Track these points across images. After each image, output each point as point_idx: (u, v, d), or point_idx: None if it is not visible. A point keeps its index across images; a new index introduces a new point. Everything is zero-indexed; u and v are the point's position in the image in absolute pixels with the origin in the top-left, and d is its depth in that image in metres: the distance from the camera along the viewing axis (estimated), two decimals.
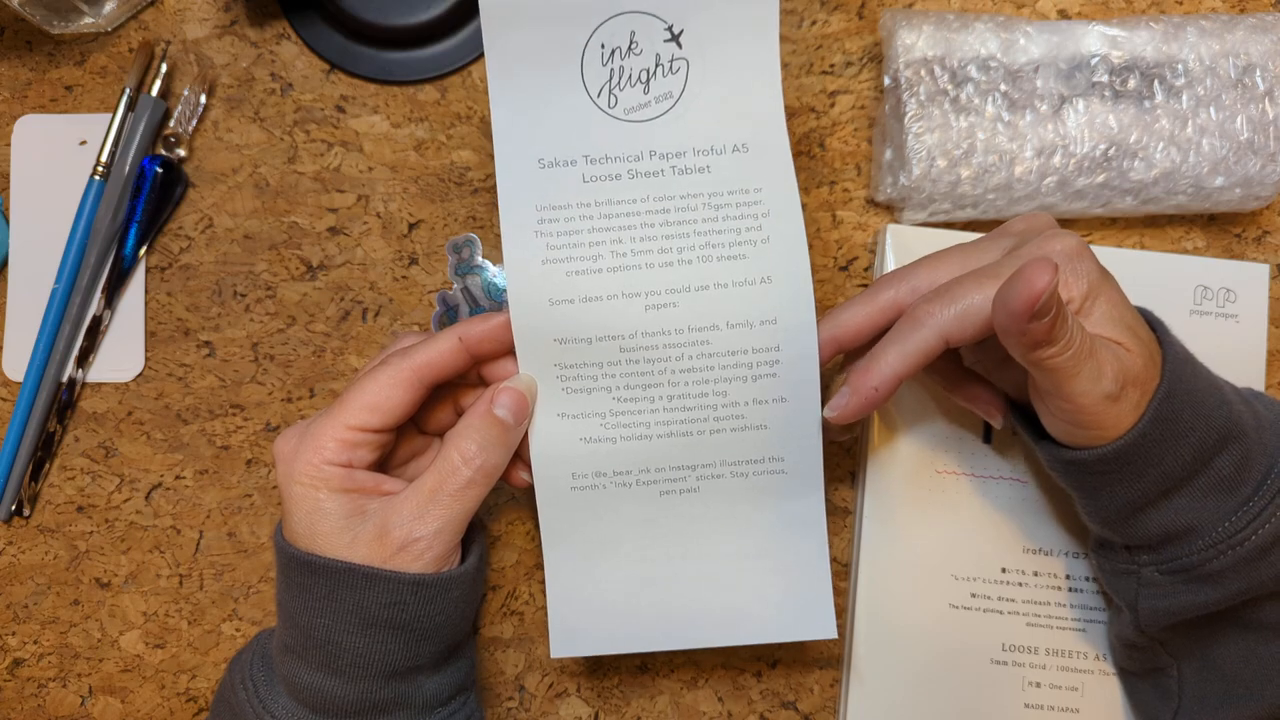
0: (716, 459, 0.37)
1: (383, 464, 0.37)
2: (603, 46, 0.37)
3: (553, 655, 0.38)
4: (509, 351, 0.37)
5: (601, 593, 0.38)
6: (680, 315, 0.36)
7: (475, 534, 0.38)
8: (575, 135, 0.37)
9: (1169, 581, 0.35)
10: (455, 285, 0.45)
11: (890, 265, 0.42)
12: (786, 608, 0.38)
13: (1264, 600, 0.35)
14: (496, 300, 0.45)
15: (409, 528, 0.34)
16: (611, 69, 0.37)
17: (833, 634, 0.38)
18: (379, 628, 0.33)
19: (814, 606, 0.38)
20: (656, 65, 0.37)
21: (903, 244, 0.43)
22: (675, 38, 0.37)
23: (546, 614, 0.38)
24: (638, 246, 0.37)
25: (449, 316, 0.44)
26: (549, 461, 0.37)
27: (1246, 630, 0.36)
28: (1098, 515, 0.36)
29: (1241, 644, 0.36)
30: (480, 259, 0.45)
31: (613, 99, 0.37)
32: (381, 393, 0.34)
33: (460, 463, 0.34)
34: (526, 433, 0.37)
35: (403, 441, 0.38)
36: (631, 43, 0.37)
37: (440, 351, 0.35)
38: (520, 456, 0.37)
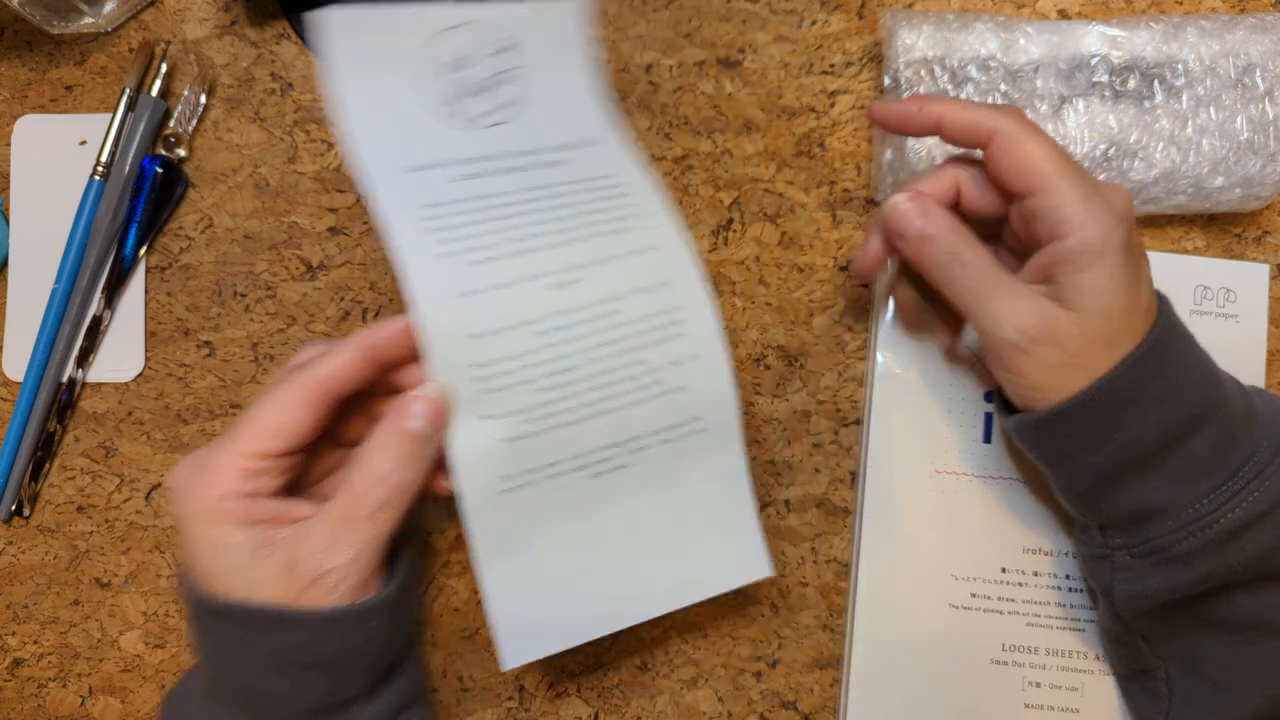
0: (644, 430, 0.36)
1: (295, 485, 0.34)
2: (439, 62, 0.37)
3: (504, 668, 0.35)
4: (418, 355, 0.34)
5: (546, 591, 0.36)
6: (587, 290, 0.36)
7: (401, 549, 0.35)
8: (429, 144, 0.37)
9: (1140, 564, 0.35)
10: None
11: (889, 264, 0.42)
12: (721, 558, 0.38)
13: (1238, 592, 0.35)
14: None
15: (319, 559, 0.31)
16: (452, 81, 0.37)
17: (768, 572, 0.38)
18: (298, 668, 0.31)
19: (747, 550, 0.38)
20: (496, 74, 0.38)
21: None
22: (509, 49, 0.38)
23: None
24: (528, 231, 0.36)
25: None
26: (474, 467, 0.34)
27: (1229, 633, 0.36)
28: (1069, 490, 0.36)
29: (1224, 646, 0.36)
30: None
31: (459, 108, 0.38)
32: (282, 414, 0.32)
33: (372, 484, 0.32)
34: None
35: (317, 458, 0.35)
36: (467, 56, 0.38)
37: (342, 364, 0.33)
38: (441, 464, 0.34)
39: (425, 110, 0.37)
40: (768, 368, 0.44)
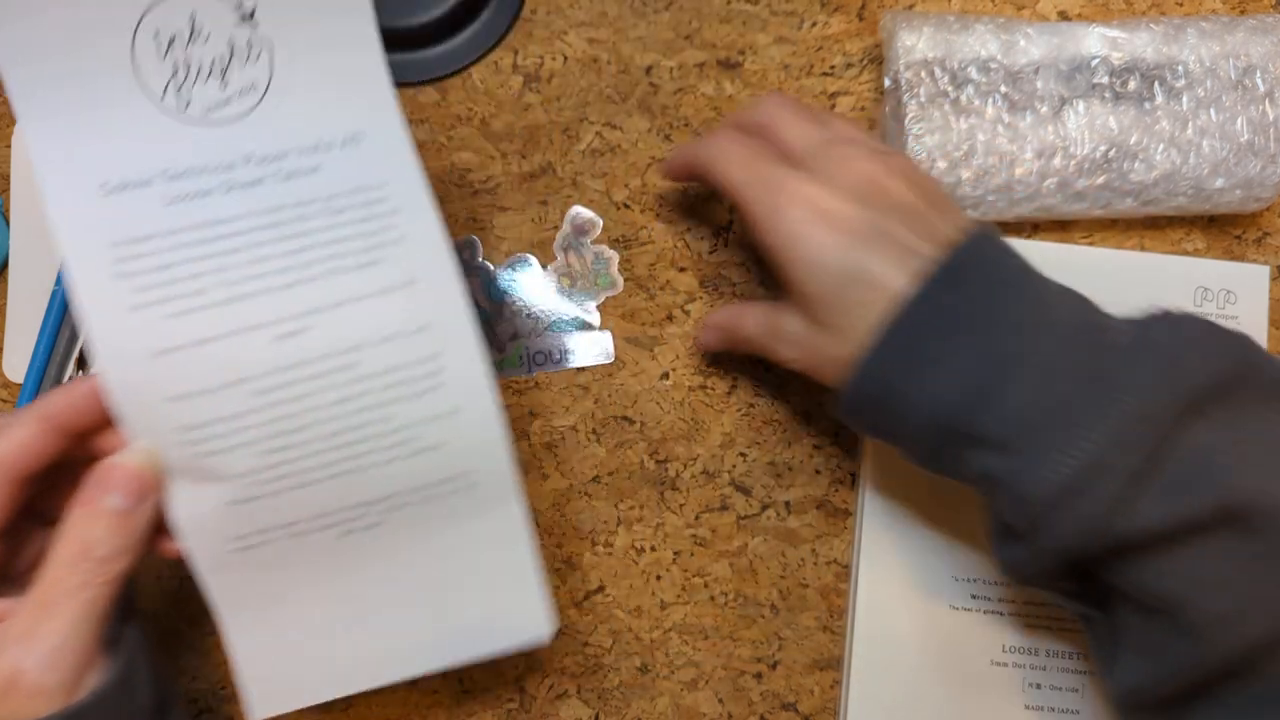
0: (399, 489, 0.33)
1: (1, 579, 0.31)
2: (157, 35, 0.30)
3: (251, 719, 0.34)
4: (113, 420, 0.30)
5: (299, 644, 0.34)
6: (318, 340, 0.31)
7: (126, 626, 0.31)
8: (145, 149, 0.31)
9: (1001, 532, 0.33)
10: None
11: None
12: (495, 618, 0.35)
13: (1117, 563, 0.30)
14: (497, 301, 0.45)
15: (13, 657, 0.27)
16: (174, 62, 0.31)
17: (546, 634, 0.36)
18: None
19: (525, 611, 0.35)
20: (232, 53, 0.31)
21: None
22: (248, 16, 0.31)
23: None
24: (251, 271, 0.30)
25: None
26: (200, 529, 0.32)
27: (1134, 603, 0.31)
28: (914, 463, 0.35)
29: (1137, 615, 0.31)
30: (481, 260, 0.45)
31: (184, 98, 0.31)
32: None
33: (70, 564, 0.29)
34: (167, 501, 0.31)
35: (22, 544, 0.32)
36: (193, 28, 0.31)
37: (21, 440, 0.29)
38: (163, 526, 0.32)
39: (139, 103, 0.31)
40: (768, 369, 0.44)
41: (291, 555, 0.33)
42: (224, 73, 0.31)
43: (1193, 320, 0.30)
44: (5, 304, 0.45)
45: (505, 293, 0.45)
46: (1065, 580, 0.32)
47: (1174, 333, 0.29)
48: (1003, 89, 0.42)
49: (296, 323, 0.31)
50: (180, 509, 0.31)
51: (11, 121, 0.45)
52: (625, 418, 0.44)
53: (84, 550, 0.29)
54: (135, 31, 0.30)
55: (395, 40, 0.45)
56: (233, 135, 0.31)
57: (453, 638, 0.35)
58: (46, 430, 0.30)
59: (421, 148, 0.45)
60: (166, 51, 0.31)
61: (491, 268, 0.45)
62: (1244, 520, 0.27)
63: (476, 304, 0.44)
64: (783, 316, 0.36)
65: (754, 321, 0.38)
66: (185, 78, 0.31)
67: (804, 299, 0.34)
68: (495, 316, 0.45)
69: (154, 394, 0.30)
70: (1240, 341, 0.30)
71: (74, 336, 0.44)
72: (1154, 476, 0.28)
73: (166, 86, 0.31)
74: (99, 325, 0.30)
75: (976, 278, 0.31)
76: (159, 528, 0.31)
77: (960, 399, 0.30)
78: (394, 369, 0.32)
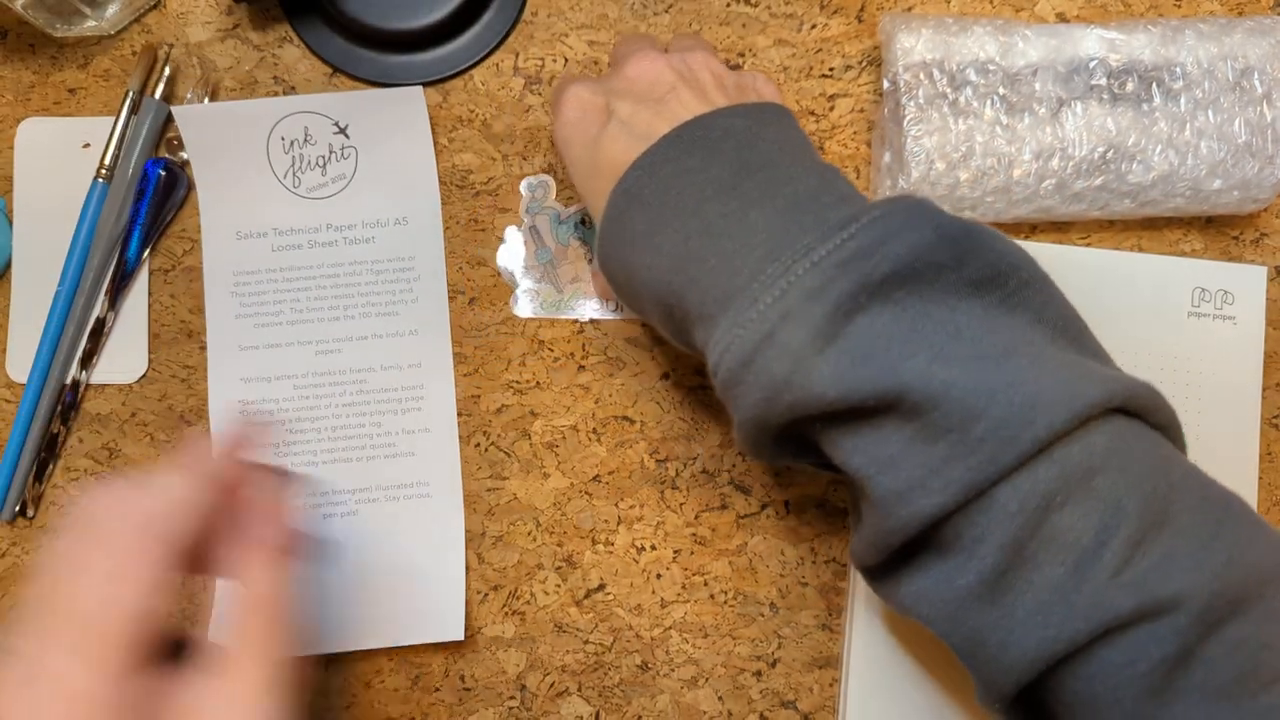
0: (372, 483, 0.44)
1: None
2: (283, 139, 0.44)
3: None
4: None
5: None
6: (344, 359, 0.44)
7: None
8: (267, 211, 0.44)
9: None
10: (525, 222, 0.45)
11: None
12: (425, 615, 0.43)
13: (812, 432, 0.31)
14: (562, 243, 0.45)
15: None
16: (293, 156, 0.44)
17: (460, 636, 0.42)
18: None
19: (446, 615, 0.43)
20: (330, 153, 0.44)
21: None
22: (343, 130, 0.44)
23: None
24: (312, 304, 0.44)
25: (509, 252, 0.45)
26: None
27: (851, 480, 0.32)
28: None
29: (854, 489, 0.33)
30: (552, 200, 0.45)
31: (296, 180, 0.44)
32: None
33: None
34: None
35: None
36: (306, 136, 0.44)
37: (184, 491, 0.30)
38: None
39: (268, 182, 0.44)
40: None
41: None
42: (324, 166, 0.45)
43: (909, 208, 0.30)
44: (9, 304, 0.45)
45: (571, 235, 0.45)
46: (800, 454, 0.33)
47: (883, 218, 0.29)
48: (1001, 91, 0.42)
49: (333, 345, 0.44)
50: None
51: (14, 123, 0.45)
52: (625, 417, 0.44)
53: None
54: (269, 135, 0.44)
55: (397, 43, 0.45)
56: (323, 208, 0.45)
57: (385, 624, 0.43)
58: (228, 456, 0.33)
59: None
60: (288, 149, 0.44)
61: (560, 210, 0.45)
62: (909, 404, 0.28)
63: (542, 241, 0.45)
64: None
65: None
66: (299, 166, 0.44)
67: (584, 199, 0.35)
68: (559, 258, 0.45)
69: (234, 373, 0.44)
70: (952, 235, 0.29)
71: (76, 337, 0.44)
72: (825, 350, 0.28)
73: (287, 171, 0.44)
74: (214, 323, 0.44)
75: (692, 151, 0.32)
76: None
77: (670, 277, 0.31)
78: (391, 389, 0.44)
